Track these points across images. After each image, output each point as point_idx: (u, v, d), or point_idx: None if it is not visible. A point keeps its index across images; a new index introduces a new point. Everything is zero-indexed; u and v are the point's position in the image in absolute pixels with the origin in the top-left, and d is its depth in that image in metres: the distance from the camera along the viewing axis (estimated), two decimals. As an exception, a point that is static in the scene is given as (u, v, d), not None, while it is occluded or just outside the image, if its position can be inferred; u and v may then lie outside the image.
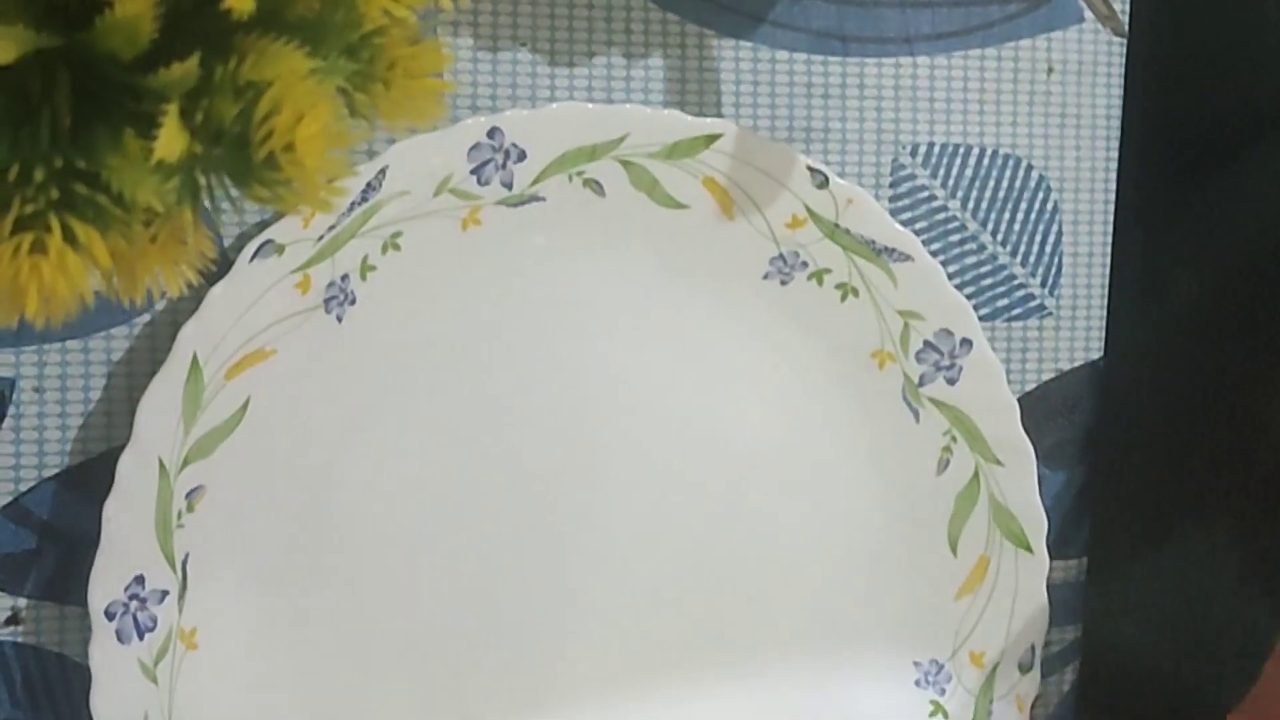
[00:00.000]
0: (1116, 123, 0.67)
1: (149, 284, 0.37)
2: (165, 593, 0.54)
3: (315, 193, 0.34)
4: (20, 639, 0.56)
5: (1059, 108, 0.66)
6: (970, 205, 0.65)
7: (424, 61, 0.36)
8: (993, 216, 0.65)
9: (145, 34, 0.31)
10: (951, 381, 0.62)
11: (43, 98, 0.33)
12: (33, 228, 0.32)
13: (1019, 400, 0.62)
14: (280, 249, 0.54)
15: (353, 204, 0.54)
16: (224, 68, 0.33)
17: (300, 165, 0.33)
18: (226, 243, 0.56)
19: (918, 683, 0.64)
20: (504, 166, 0.57)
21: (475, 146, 0.56)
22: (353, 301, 0.56)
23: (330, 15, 0.35)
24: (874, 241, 0.60)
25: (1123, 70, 0.66)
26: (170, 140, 0.32)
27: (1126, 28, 0.52)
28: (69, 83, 0.33)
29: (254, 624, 0.57)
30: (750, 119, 0.62)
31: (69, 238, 0.32)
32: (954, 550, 0.63)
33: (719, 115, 0.62)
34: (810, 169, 0.59)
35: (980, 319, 0.62)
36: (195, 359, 0.53)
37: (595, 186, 0.58)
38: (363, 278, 0.56)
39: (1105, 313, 0.67)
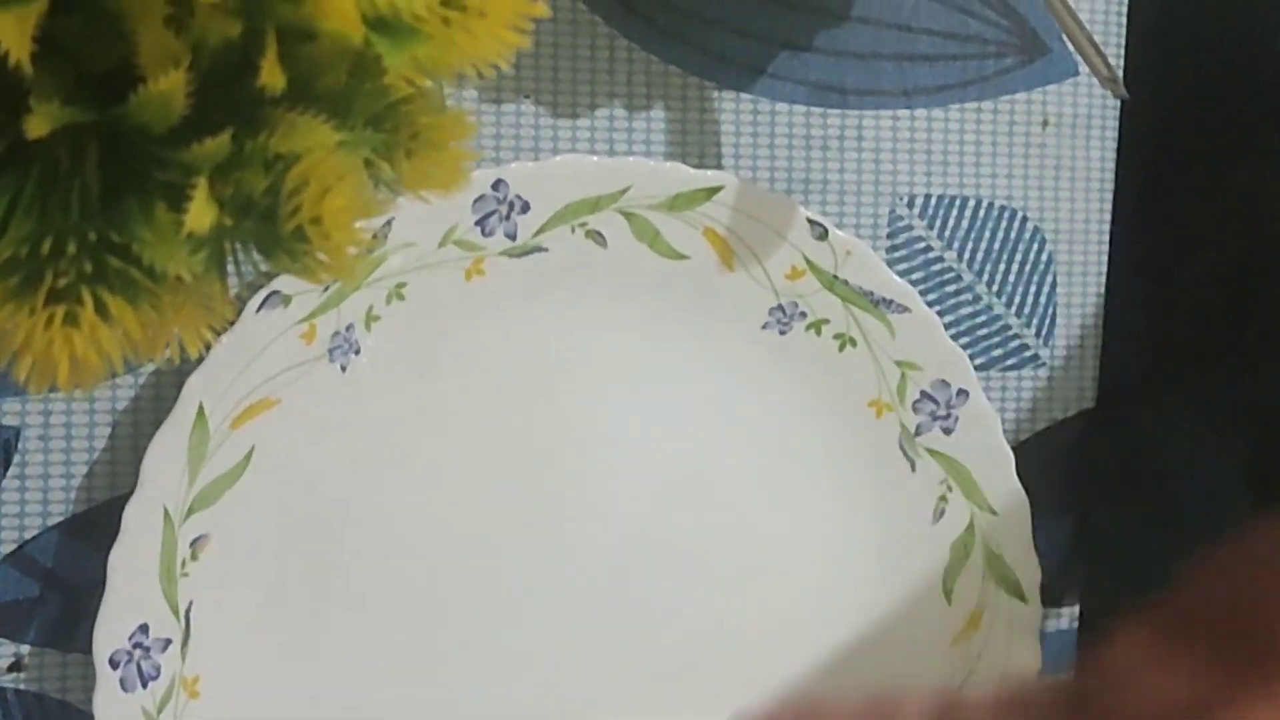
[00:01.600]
0: (1111, 175, 0.67)
1: (168, 346, 0.37)
2: (168, 641, 0.55)
3: (341, 263, 0.34)
4: (23, 686, 0.56)
5: (1054, 160, 0.67)
6: (966, 256, 0.65)
7: (447, 131, 0.37)
8: (988, 267, 0.66)
9: (178, 109, 0.32)
10: (948, 431, 0.62)
11: (72, 169, 0.33)
12: (65, 300, 0.32)
13: (1013, 449, 0.63)
14: (286, 300, 0.54)
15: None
16: (254, 141, 0.33)
17: (327, 237, 0.34)
18: (232, 292, 0.56)
19: (912, 730, 0.64)
20: (508, 218, 0.57)
21: (480, 198, 0.57)
22: (357, 351, 0.57)
23: (357, 87, 0.35)
24: (872, 293, 0.61)
25: (1117, 124, 0.67)
26: (200, 213, 0.32)
27: (1125, 89, 0.52)
28: (98, 154, 0.34)
29: (256, 673, 0.57)
30: (750, 170, 0.63)
31: (100, 310, 0.32)
32: (948, 599, 0.63)
33: (719, 167, 0.62)
34: (810, 221, 0.60)
35: (975, 369, 0.63)
36: (201, 409, 0.54)
37: (597, 237, 0.59)
38: (367, 328, 0.57)
39: (1098, 363, 0.68)
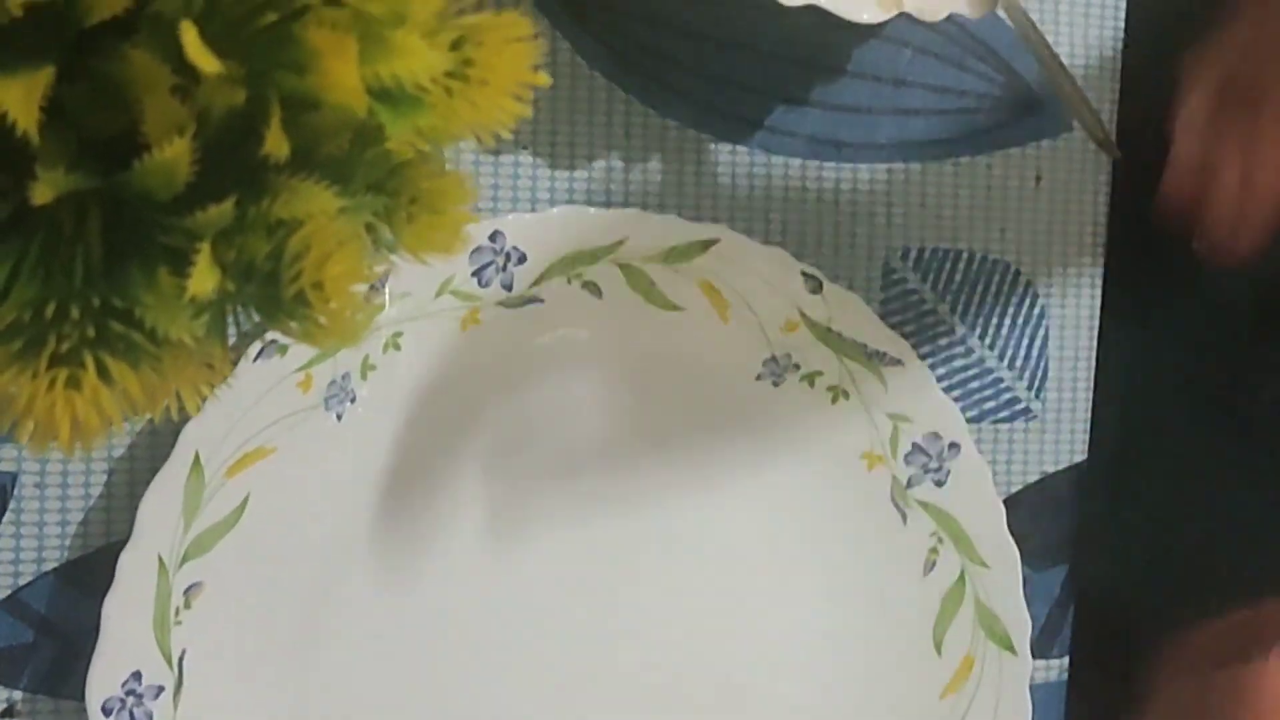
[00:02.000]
0: (1103, 229, 0.68)
1: (168, 403, 0.38)
2: (161, 689, 0.55)
3: (342, 327, 0.35)
4: (15, 732, 0.56)
5: (1046, 214, 0.67)
6: (959, 309, 0.66)
7: (448, 196, 0.37)
8: (981, 320, 0.66)
9: (183, 177, 0.32)
10: (939, 484, 0.63)
11: (75, 233, 0.34)
12: (68, 364, 0.32)
13: (1004, 502, 0.63)
14: (283, 349, 0.54)
15: (356, 306, 0.55)
16: (256, 207, 0.34)
17: (328, 302, 0.34)
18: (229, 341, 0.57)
19: (901, 780, 0.65)
20: (504, 269, 0.58)
21: (477, 249, 0.57)
22: (352, 399, 0.57)
23: (359, 153, 0.35)
24: (865, 346, 0.61)
25: (1109, 179, 0.67)
26: (203, 278, 0.33)
27: (1118, 149, 0.53)
28: (101, 219, 0.34)
29: (248, 720, 0.57)
30: (746, 222, 0.63)
31: (102, 374, 0.33)
32: (939, 650, 0.64)
33: (715, 219, 0.63)
34: (804, 274, 0.60)
35: (967, 420, 0.63)
36: (197, 458, 0.54)
37: (593, 288, 0.59)
38: (363, 376, 0.57)
39: (1090, 416, 0.68)
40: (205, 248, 0.33)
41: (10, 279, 0.33)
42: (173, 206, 0.33)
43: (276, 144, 0.32)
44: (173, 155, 0.31)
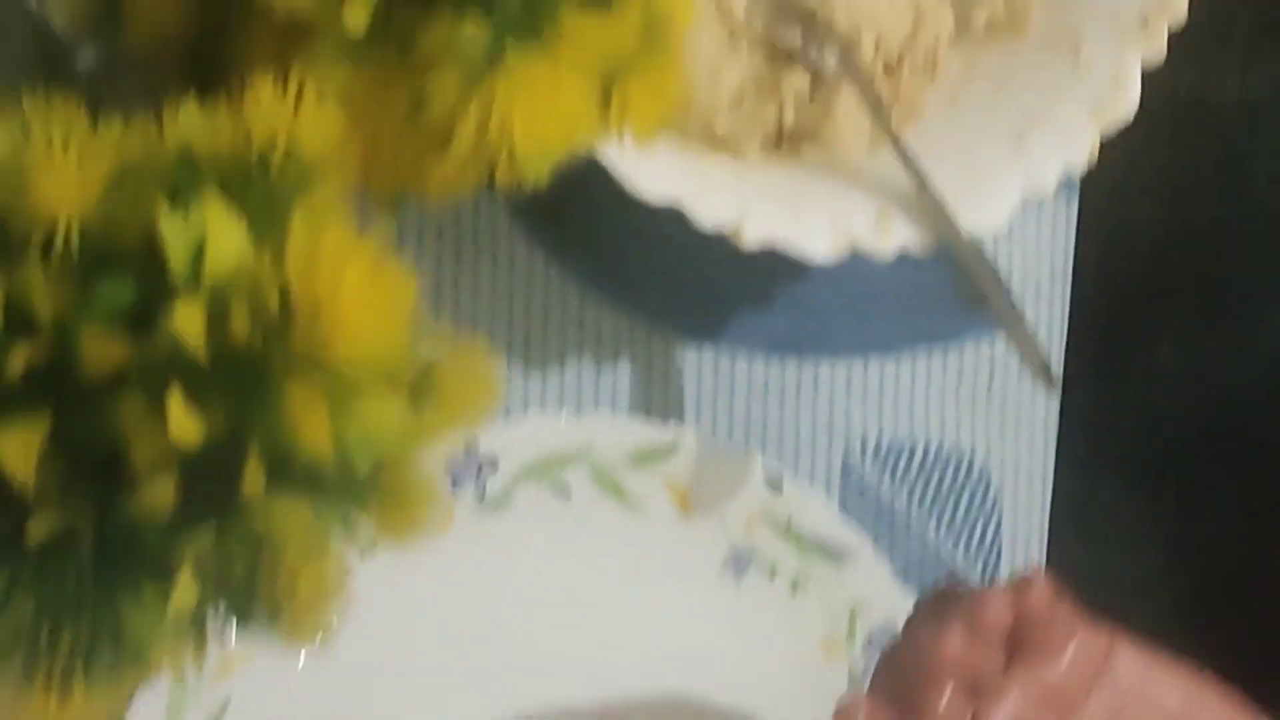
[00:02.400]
0: (1055, 421, 0.71)
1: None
2: None
3: (314, 631, 0.38)
4: None
5: (1000, 406, 0.70)
6: (915, 499, 0.68)
7: (415, 494, 0.40)
8: (936, 509, 0.69)
9: (168, 511, 0.35)
10: (895, 671, 0.65)
11: (67, 555, 0.36)
12: (60, 679, 0.35)
13: (958, 687, 0.65)
14: (264, 559, 0.57)
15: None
16: (234, 525, 0.36)
17: (300, 610, 0.37)
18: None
19: None
20: (477, 473, 0.60)
21: (450, 457, 0.60)
22: (330, 600, 0.60)
23: (329, 467, 0.38)
24: (824, 541, 0.64)
25: (1061, 374, 0.70)
26: (185, 595, 0.36)
27: (1061, 379, 0.56)
28: (92, 537, 0.37)
29: None
30: (710, 419, 0.66)
31: (91, 687, 0.35)
32: (894, 831, 0.66)
33: (681, 417, 0.65)
34: (766, 471, 0.63)
35: (923, 607, 0.65)
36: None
37: (563, 490, 0.62)
38: (340, 579, 0.59)
39: (1042, 601, 0.71)
40: (187, 565, 0.36)
41: (5, 597, 0.36)
42: (158, 531, 0.36)
43: (254, 483, 0.35)
44: (159, 493, 0.34)
